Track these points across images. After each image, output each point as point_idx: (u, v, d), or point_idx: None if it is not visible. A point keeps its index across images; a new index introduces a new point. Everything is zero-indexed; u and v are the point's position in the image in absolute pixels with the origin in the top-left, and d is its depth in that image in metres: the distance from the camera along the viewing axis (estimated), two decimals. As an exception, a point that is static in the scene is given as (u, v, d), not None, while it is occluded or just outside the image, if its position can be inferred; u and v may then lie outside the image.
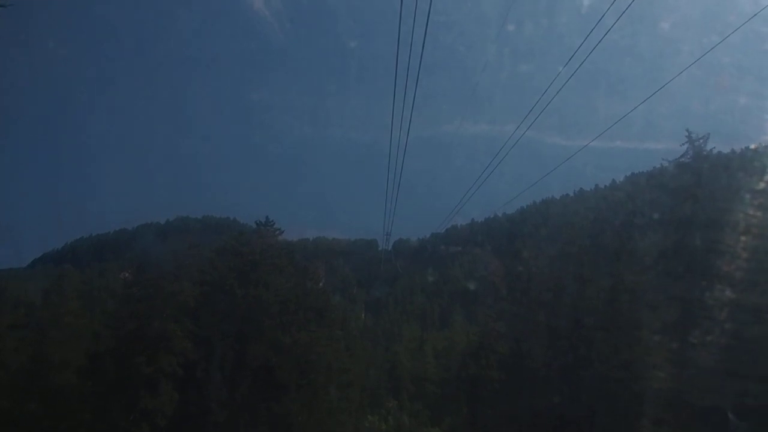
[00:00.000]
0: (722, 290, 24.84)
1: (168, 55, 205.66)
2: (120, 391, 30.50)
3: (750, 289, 24.08)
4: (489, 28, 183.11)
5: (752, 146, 25.20)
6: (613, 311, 30.08)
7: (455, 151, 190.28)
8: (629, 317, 29.62)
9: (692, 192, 27.88)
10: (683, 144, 29.16)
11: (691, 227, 27.54)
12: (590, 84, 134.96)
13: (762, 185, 23.76)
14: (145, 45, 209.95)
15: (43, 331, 34.03)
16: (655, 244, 30.50)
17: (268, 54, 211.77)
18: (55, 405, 30.95)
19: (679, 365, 25.78)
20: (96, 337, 33.94)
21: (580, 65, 11.22)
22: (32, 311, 41.73)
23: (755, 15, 12.49)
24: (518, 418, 32.64)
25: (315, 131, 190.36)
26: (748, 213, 23.67)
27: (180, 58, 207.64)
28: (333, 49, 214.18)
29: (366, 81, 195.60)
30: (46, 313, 36.46)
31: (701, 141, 28.56)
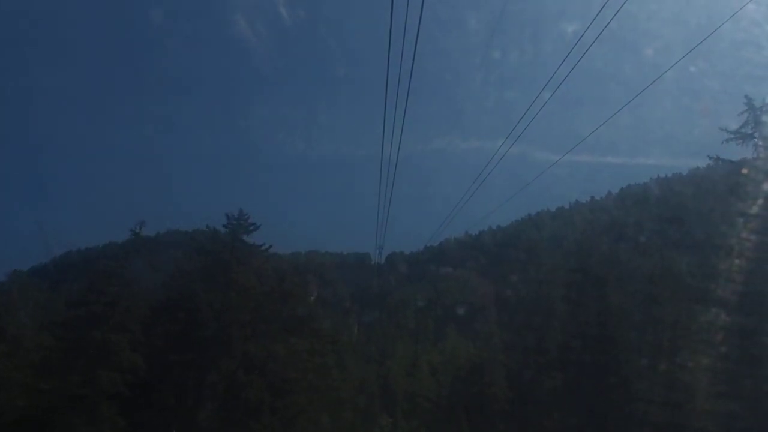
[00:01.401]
0: (709, 312, 25.08)
1: (156, 81, 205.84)
2: (50, 414, 25.12)
3: (736, 311, 24.33)
4: (475, 56, 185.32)
5: (743, 170, 25.38)
6: (601, 334, 30.25)
7: (447, 167, 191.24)
8: (617, 340, 29.82)
9: (678, 216, 28.25)
10: (742, 113, 26.60)
11: (679, 250, 27.89)
12: (577, 108, 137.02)
13: (755, 209, 24.04)
14: (133, 73, 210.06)
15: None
16: (641, 267, 30.84)
17: (255, 81, 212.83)
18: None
19: (668, 387, 25.91)
20: (44, 349, 28.46)
21: (558, 86, 11.47)
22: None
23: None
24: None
25: (307, 148, 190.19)
26: (741, 237, 23.98)
27: (168, 83, 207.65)
28: (322, 75, 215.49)
29: (356, 104, 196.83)
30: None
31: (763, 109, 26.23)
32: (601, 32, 10.32)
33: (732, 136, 26.54)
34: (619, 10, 9.52)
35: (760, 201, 23.68)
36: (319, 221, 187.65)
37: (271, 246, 34.01)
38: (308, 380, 30.86)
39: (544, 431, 30.73)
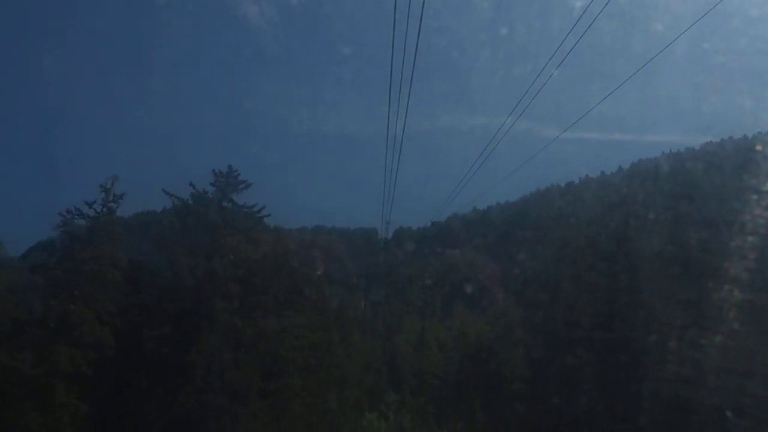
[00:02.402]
0: (718, 289, 24.89)
1: (161, 62, 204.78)
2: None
3: (747, 288, 24.12)
4: (481, 31, 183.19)
5: (758, 147, 25.03)
6: (611, 311, 30.10)
7: (454, 143, 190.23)
8: (626, 317, 29.67)
9: (689, 192, 27.94)
10: None
11: (689, 227, 27.60)
12: (585, 84, 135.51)
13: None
14: (138, 53, 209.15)
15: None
16: (651, 243, 30.57)
17: (262, 58, 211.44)
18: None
19: (677, 364, 25.80)
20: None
21: (564, 58, 11.18)
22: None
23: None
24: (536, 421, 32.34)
25: (313, 125, 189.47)
26: (754, 213, 23.70)
27: (173, 65, 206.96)
28: (328, 53, 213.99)
29: (361, 83, 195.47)
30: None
31: None
32: (607, 2, 9.94)
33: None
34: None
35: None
36: (326, 197, 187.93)
37: (264, 207, 29.51)
38: (305, 359, 27.79)
39: (552, 409, 30.73)
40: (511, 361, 35.63)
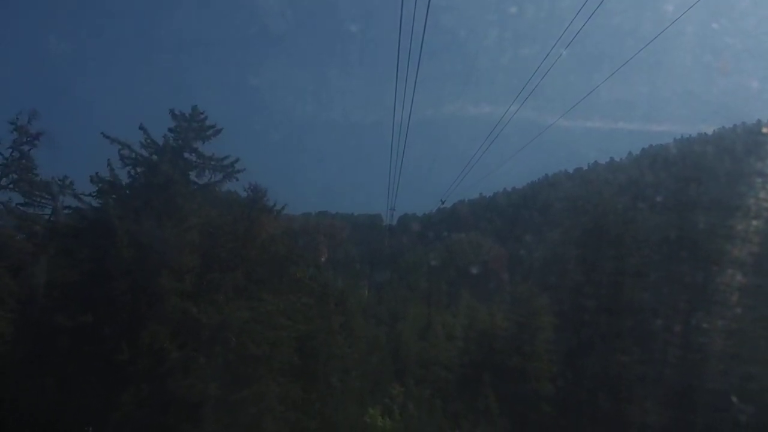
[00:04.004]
0: (726, 274, 24.77)
1: (167, 39, 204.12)
2: None
3: (754, 273, 24.00)
4: (490, 11, 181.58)
5: (764, 129, 24.87)
6: (616, 295, 29.98)
7: (461, 128, 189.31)
8: (632, 301, 29.56)
9: (696, 176, 27.70)
10: None
11: (696, 211, 27.42)
12: (593, 67, 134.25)
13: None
14: (144, 30, 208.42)
15: None
16: (659, 227, 30.38)
17: (268, 38, 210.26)
18: None
19: (683, 349, 25.75)
20: None
21: (573, 38, 10.91)
22: None
23: None
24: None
25: (317, 111, 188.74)
26: (759, 197, 23.55)
27: (179, 43, 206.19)
28: (334, 33, 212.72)
29: (368, 63, 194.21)
30: None
31: None
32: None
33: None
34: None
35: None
36: (330, 183, 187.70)
37: (238, 160, 21.80)
38: (285, 357, 21.77)
39: (556, 393, 30.79)
40: (538, 354, 33.58)
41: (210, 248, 20.59)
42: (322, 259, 44.97)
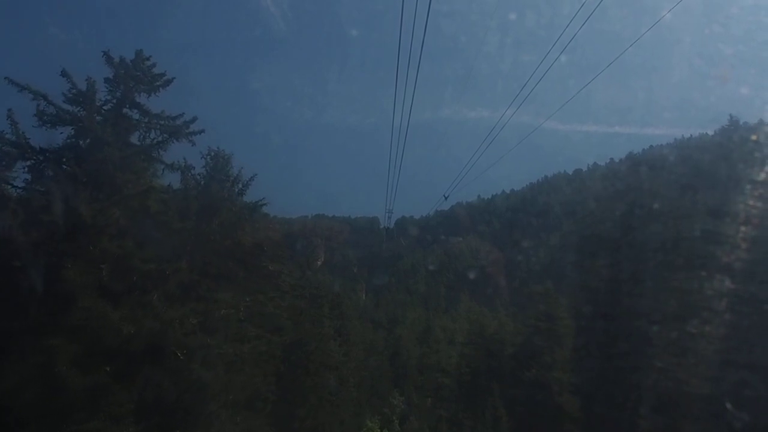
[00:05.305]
0: (721, 280, 24.82)
1: (168, 41, 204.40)
2: None
3: (748, 280, 24.06)
4: (490, 17, 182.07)
5: (753, 137, 25.01)
6: (612, 301, 30.03)
7: (459, 132, 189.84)
8: (628, 307, 29.60)
9: (691, 183, 27.78)
10: None
11: (690, 218, 27.50)
12: (590, 73, 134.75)
13: (763, 176, 23.70)
14: (143, 33, 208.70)
15: None
16: (654, 234, 30.45)
17: (269, 41, 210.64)
18: None
19: (678, 355, 25.80)
20: None
21: (569, 41, 10.98)
22: None
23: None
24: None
25: (315, 115, 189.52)
26: (748, 204, 23.64)
27: (180, 45, 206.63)
28: (334, 37, 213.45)
29: (367, 68, 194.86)
30: None
31: None
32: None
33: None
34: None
35: (768, 167, 23.41)
36: (328, 186, 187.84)
37: (195, 119, 17.02)
38: (244, 385, 17.01)
39: (553, 396, 30.84)
40: (559, 364, 31.80)
41: (145, 230, 15.05)
42: (318, 263, 44.09)
